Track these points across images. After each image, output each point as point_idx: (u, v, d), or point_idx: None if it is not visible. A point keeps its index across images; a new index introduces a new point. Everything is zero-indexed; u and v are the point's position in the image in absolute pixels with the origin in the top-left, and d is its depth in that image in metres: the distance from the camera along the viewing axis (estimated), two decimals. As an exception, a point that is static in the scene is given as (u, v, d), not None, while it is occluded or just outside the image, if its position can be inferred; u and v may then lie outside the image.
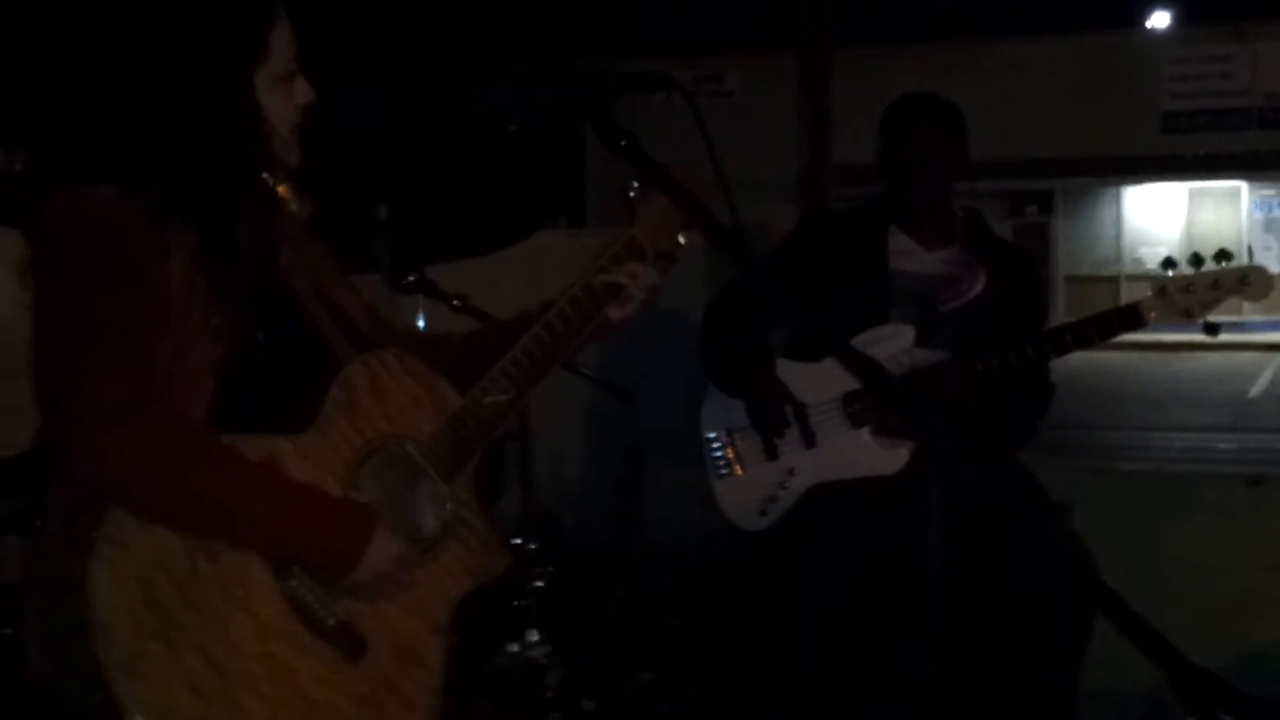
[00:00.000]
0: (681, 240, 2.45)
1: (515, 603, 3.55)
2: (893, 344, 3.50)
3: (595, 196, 22.84)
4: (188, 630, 2.00)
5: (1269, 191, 27.08)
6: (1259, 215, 27.25)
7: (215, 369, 2.09)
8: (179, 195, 2.09)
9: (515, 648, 3.56)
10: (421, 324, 3.91)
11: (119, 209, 2.05)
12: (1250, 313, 22.22)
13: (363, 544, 2.13)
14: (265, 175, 2.21)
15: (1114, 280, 27.60)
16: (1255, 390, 18.90)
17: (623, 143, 2.18)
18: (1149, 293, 3.37)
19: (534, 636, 3.56)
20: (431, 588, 2.26)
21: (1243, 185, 26.88)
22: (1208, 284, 3.33)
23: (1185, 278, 3.36)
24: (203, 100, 2.12)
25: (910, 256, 3.64)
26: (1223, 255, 25.33)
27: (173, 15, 2.13)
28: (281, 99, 2.21)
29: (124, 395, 1.98)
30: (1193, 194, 27.43)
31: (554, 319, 2.35)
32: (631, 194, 2.41)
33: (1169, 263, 26.36)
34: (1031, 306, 3.73)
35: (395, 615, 2.21)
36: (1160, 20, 27.25)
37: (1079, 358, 3.71)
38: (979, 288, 3.60)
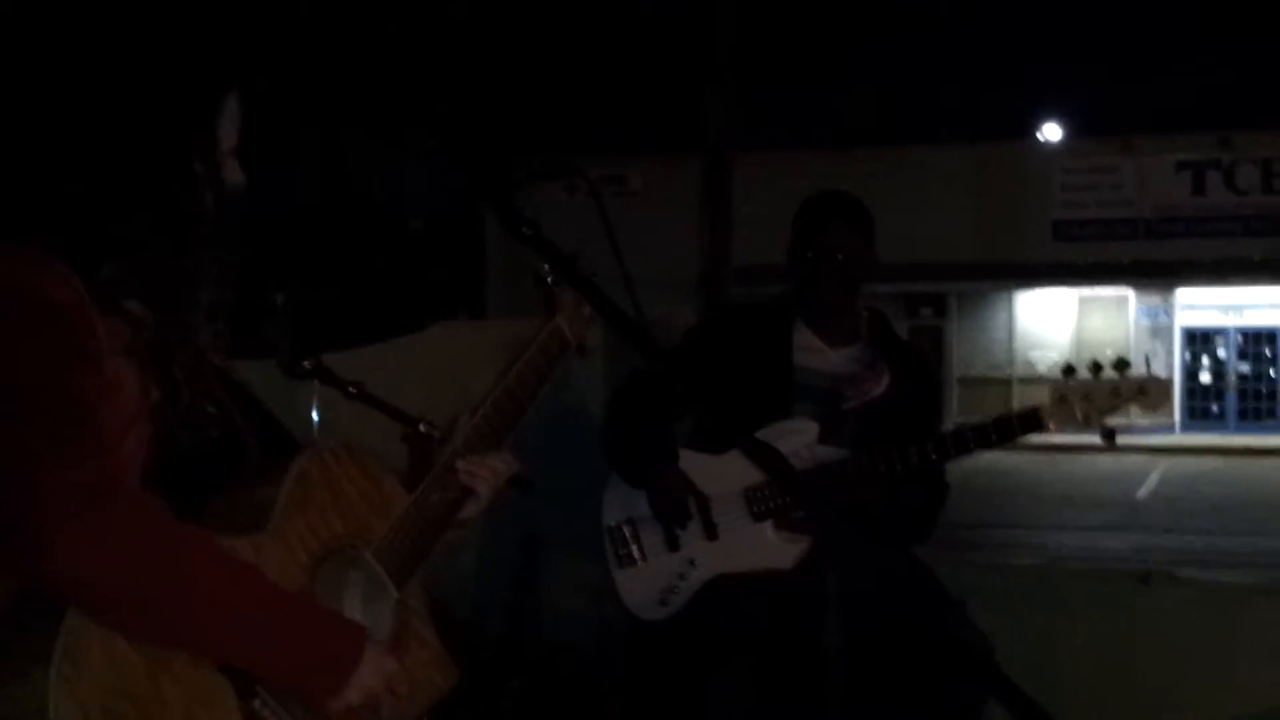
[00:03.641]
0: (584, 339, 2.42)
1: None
2: (796, 439, 3.51)
3: (496, 289, 22.87)
4: None
5: (1155, 299, 27.82)
6: (1145, 322, 27.96)
7: (152, 448, 1.95)
8: (129, 268, 1.96)
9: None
10: (315, 415, 3.86)
11: (69, 284, 1.90)
12: (1139, 415, 22.73)
13: (354, 660, 1.97)
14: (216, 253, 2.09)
15: (1006, 383, 28.09)
16: (1143, 491, 19.28)
17: (526, 230, 2.19)
18: (1046, 396, 3.43)
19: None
20: (391, 705, 2.09)
21: (1130, 292, 27.60)
22: (1107, 392, 3.38)
23: (1085, 385, 3.41)
24: (150, 169, 2.02)
25: (815, 353, 3.67)
26: (1121, 364, 25.83)
27: (132, 86, 2.05)
28: (231, 174, 2.12)
29: (92, 480, 1.77)
30: (1082, 300, 28.10)
31: (490, 410, 2.31)
32: (549, 279, 2.34)
33: (1069, 370, 26.81)
34: (930, 407, 3.78)
35: None
36: (1052, 133, 28.08)
37: (974, 458, 3.75)
38: (882, 386, 3.63)
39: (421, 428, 3.38)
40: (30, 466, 1.76)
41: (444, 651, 2.19)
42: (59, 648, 1.75)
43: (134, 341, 1.97)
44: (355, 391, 3.62)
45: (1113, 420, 3.39)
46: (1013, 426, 3.41)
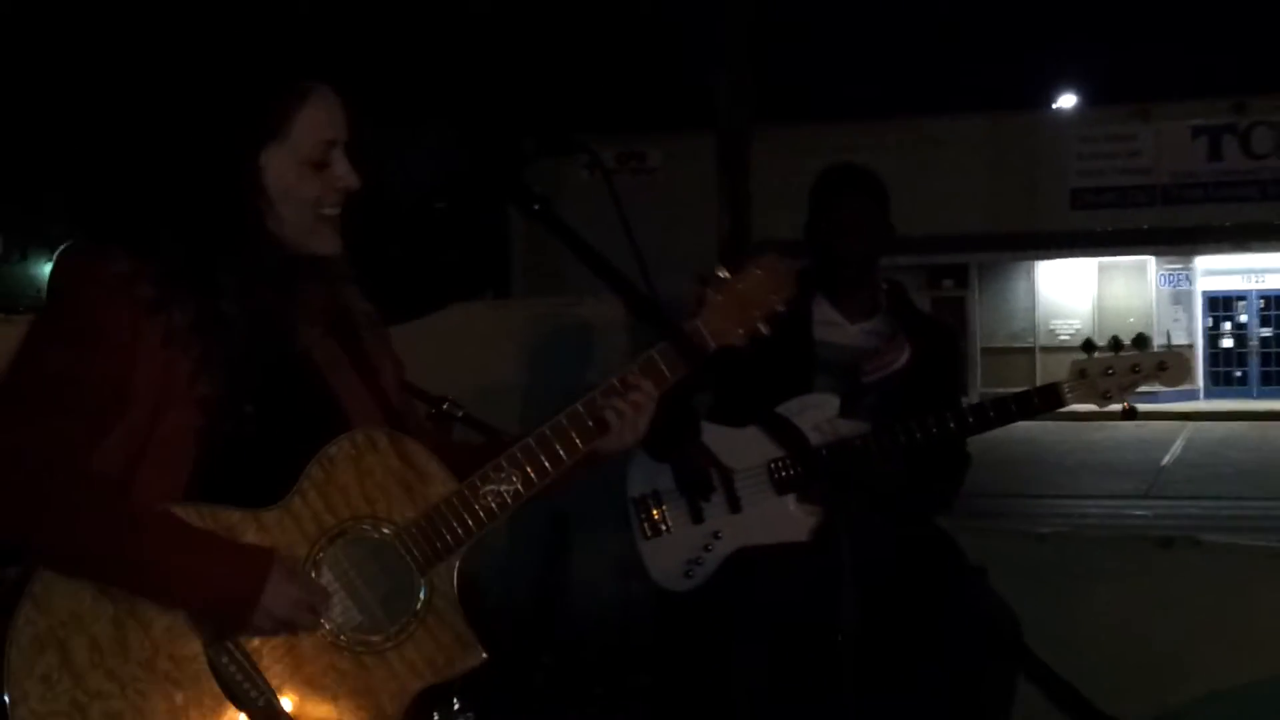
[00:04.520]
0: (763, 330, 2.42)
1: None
2: (817, 413, 3.54)
3: (520, 270, 22.90)
4: (101, 697, 1.96)
5: (1176, 265, 27.68)
6: (1166, 288, 27.82)
7: (198, 437, 2.07)
8: (173, 265, 2.09)
9: (437, 716, 3.52)
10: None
11: (106, 271, 2.07)
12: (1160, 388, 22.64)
13: (255, 587, 2.04)
14: (274, 254, 2.16)
15: (1029, 352, 28.01)
16: (1167, 458, 19.23)
17: (536, 206, 2.23)
18: (1066, 369, 3.45)
19: (456, 704, 3.54)
20: (387, 678, 2.15)
21: (1150, 259, 27.47)
22: (1127, 368, 3.40)
23: (1105, 360, 3.43)
24: (201, 167, 2.11)
25: (835, 328, 3.70)
26: (1140, 340, 25.71)
27: (181, 85, 2.15)
28: (310, 181, 2.16)
29: (26, 444, 1.98)
30: (1102, 268, 27.97)
31: (565, 419, 2.29)
32: (720, 277, 2.37)
33: (1089, 345, 26.74)
34: (951, 379, 3.81)
35: (337, 702, 2.12)
36: (1068, 101, 27.93)
37: (994, 429, 3.78)
38: (902, 360, 3.66)
39: (445, 407, 3.44)
40: None
41: (468, 633, 2.21)
42: (28, 592, 1.98)
43: (176, 333, 2.08)
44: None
45: (1133, 396, 3.42)
46: (1033, 403, 3.44)
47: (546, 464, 2.26)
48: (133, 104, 2.19)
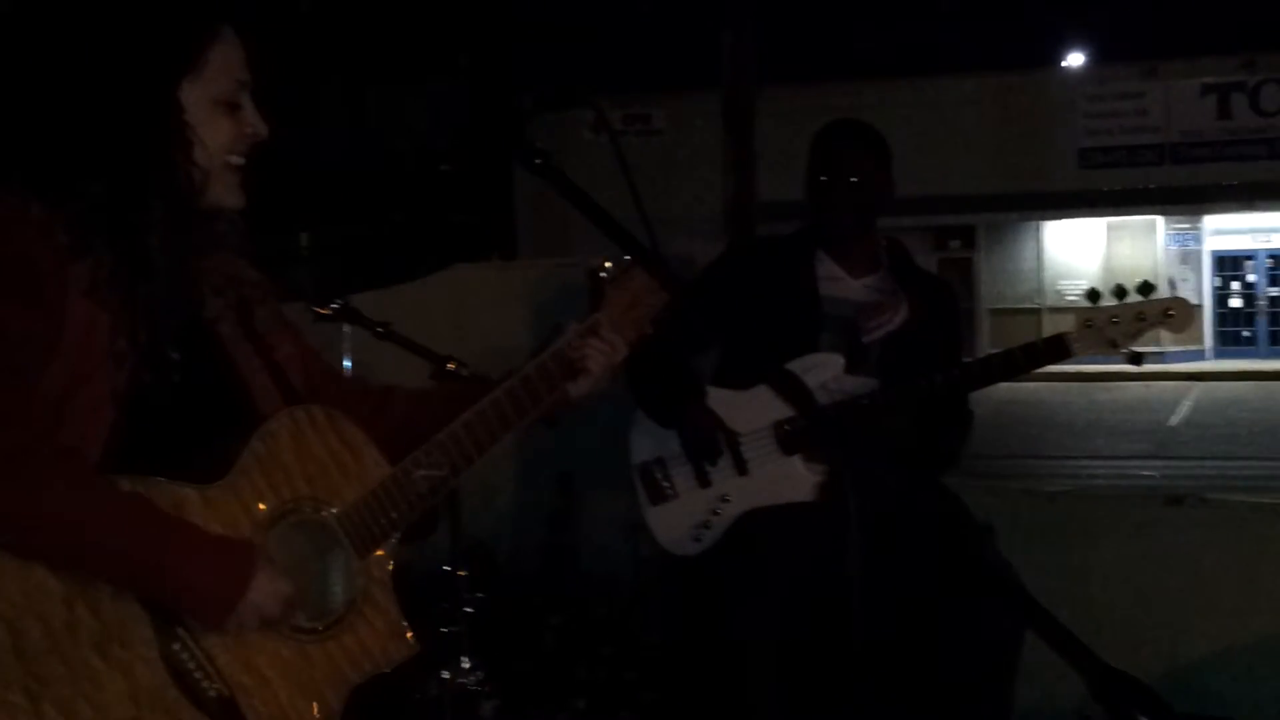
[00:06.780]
0: (648, 331, 2.34)
1: (446, 630, 3.53)
2: (823, 372, 3.52)
3: (526, 231, 22.87)
4: (53, 684, 1.85)
5: (1184, 225, 27.62)
6: (1174, 248, 27.77)
7: (117, 397, 1.96)
8: (92, 206, 1.96)
9: (446, 675, 3.54)
10: (348, 362, 3.90)
11: (23, 216, 1.93)
12: (1170, 343, 22.65)
13: (242, 582, 1.96)
14: (192, 200, 2.04)
15: (1036, 312, 28.00)
16: (1175, 418, 19.24)
17: (538, 161, 2.20)
18: (1073, 324, 3.44)
19: (466, 663, 3.55)
20: (328, 668, 2.08)
21: (1158, 219, 27.40)
22: (1132, 316, 3.39)
23: (1110, 309, 3.42)
24: (117, 101, 1.98)
25: (837, 283, 3.69)
26: (1146, 288, 25.75)
27: (96, 15, 2.00)
28: (221, 124, 2.06)
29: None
30: (1111, 228, 27.91)
31: (503, 395, 2.21)
32: (603, 274, 2.30)
33: (1093, 295, 26.78)
34: (952, 335, 3.80)
35: (284, 694, 2.04)
36: (1076, 59, 27.79)
37: (1002, 388, 3.76)
38: (899, 319, 3.64)
39: (450, 366, 3.43)
40: None
41: (401, 623, 2.16)
42: None
43: (98, 283, 1.96)
44: (383, 331, 3.68)
45: (1140, 344, 3.40)
46: (1039, 354, 3.43)
47: (476, 447, 2.20)
48: (41, 36, 2.02)
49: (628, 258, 2.27)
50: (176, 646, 1.96)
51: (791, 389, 3.15)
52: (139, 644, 1.93)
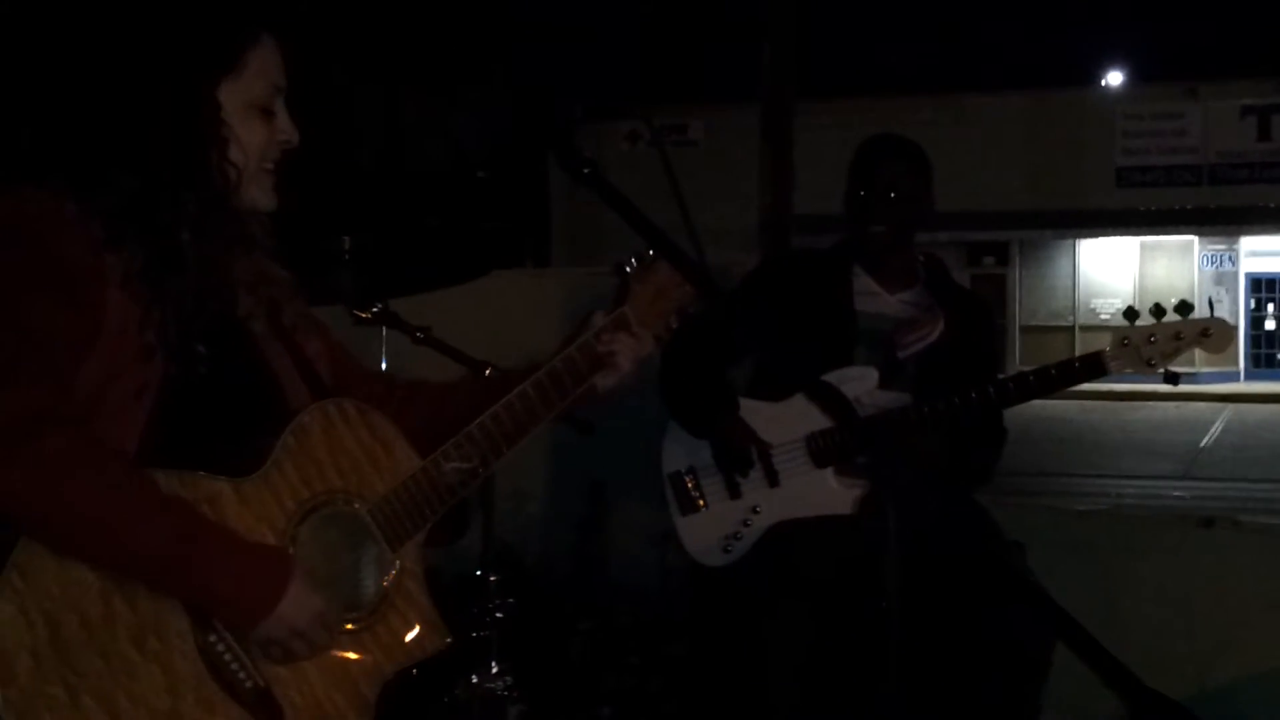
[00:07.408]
0: (673, 325, 2.35)
1: (475, 634, 3.55)
2: (858, 385, 3.52)
3: (561, 239, 22.92)
4: (91, 677, 1.87)
5: (1219, 245, 27.43)
6: (1210, 269, 27.59)
7: (150, 390, 1.98)
8: (127, 201, 1.98)
9: (475, 679, 3.55)
10: (384, 364, 3.93)
11: (57, 213, 1.95)
12: (1202, 364, 22.50)
13: (275, 593, 1.96)
14: (225, 199, 2.07)
15: (1069, 330, 27.86)
16: (1207, 439, 19.10)
17: (585, 170, 2.21)
18: (1108, 342, 3.43)
19: (495, 668, 3.57)
20: (362, 661, 2.10)
21: (1194, 239, 27.23)
22: (1170, 335, 3.37)
23: (1148, 328, 3.39)
24: (157, 96, 2.00)
25: (874, 298, 3.69)
26: (1184, 307, 25.58)
27: (138, 13, 2.03)
28: (256, 128, 2.09)
29: (28, 412, 1.84)
30: (1145, 247, 27.76)
31: (530, 388, 2.23)
32: (629, 270, 2.32)
33: (1130, 313, 26.62)
34: (986, 352, 3.79)
35: (319, 686, 2.05)
36: (1115, 78, 27.68)
37: (1034, 406, 3.75)
38: (936, 333, 3.64)
39: (488, 372, 3.45)
40: None
41: (435, 615, 2.16)
42: (14, 561, 1.85)
43: (130, 276, 1.97)
44: (422, 336, 3.71)
45: (1176, 364, 3.39)
46: (1075, 370, 3.41)
47: (506, 439, 2.21)
48: (81, 33, 2.05)
49: (651, 252, 2.28)
50: (212, 639, 1.97)
51: (831, 401, 3.15)
52: (175, 637, 1.94)
